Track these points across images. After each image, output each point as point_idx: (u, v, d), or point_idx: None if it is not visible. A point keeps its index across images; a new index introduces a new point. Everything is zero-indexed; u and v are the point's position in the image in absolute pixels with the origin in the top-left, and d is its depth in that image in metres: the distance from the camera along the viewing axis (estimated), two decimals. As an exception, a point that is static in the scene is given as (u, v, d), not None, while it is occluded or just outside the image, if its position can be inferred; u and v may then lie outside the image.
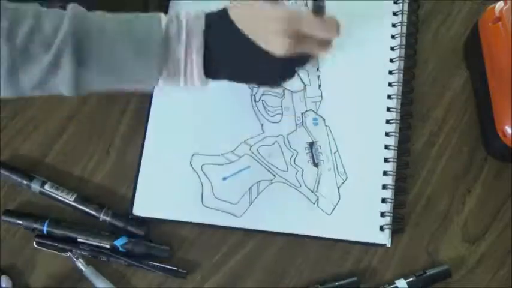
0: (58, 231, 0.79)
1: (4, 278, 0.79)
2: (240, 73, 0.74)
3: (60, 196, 0.80)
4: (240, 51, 0.71)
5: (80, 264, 0.78)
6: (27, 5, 0.68)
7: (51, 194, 0.81)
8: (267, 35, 0.69)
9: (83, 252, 0.79)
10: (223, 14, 0.70)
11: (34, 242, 0.80)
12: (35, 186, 0.81)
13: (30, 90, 0.68)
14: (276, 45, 0.69)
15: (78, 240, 0.79)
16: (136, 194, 0.81)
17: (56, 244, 0.79)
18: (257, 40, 0.70)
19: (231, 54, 0.72)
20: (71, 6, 0.69)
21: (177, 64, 0.70)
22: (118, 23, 0.70)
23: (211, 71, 0.71)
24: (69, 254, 0.79)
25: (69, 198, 0.80)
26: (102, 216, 0.80)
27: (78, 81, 0.68)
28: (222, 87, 0.83)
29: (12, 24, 0.66)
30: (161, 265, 0.79)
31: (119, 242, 0.78)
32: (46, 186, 0.81)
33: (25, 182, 0.81)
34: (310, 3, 0.86)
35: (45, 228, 0.79)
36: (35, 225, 0.80)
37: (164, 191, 0.81)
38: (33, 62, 0.67)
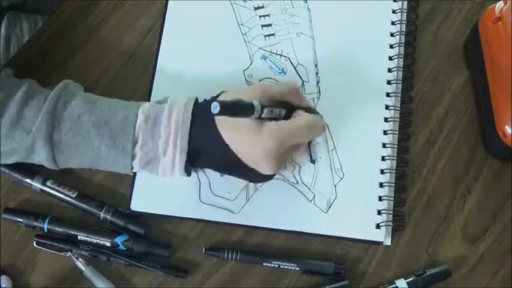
0: (59, 229, 0.79)
1: (4, 278, 0.79)
2: (220, 170, 0.78)
3: (62, 193, 0.80)
4: (221, 156, 0.73)
5: (80, 264, 0.78)
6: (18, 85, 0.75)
7: (53, 191, 0.81)
8: (257, 159, 0.72)
9: (82, 252, 0.79)
10: (209, 120, 0.72)
11: (34, 242, 0.80)
12: (37, 183, 0.81)
13: (14, 162, 0.77)
14: (266, 169, 0.73)
15: (79, 238, 0.79)
16: (134, 190, 0.81)
17: (56, 244, 0.79)
18: (245, 160, 0.73)
19: (211, 157, 0.75)
20: (61, 85, 0.75)
21: (155, 159, 0.74)
22: (96, 114, 0.74)
23: (189, 166, 0.75)
24: (69, 254, 0.79)
25: (70, 195, 0.80)
26: (103, 215, 0.80)
27: (54, 162, 0.75)
28: (220, 83, 0.83)
29: None
30: (161, 265, 0.79)
31: (119, 239, 0.78)
32: (48, 183, 0.81)
33: (26, 180, 0.81)
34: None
35: (45, 226, 0.79)
36: (35, 223, 0.80)
37: (162, 186, 0.81)
38: (14, 146, 0.74)
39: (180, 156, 0.73)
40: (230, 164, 0.73)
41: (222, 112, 0.63)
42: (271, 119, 0.72)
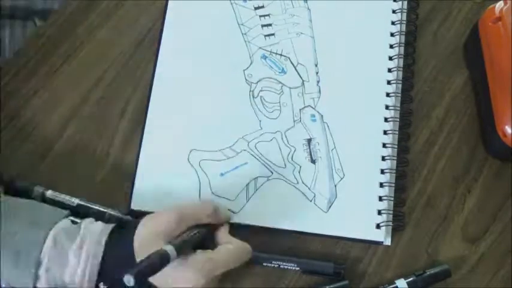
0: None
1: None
2: None
3: (63, 203, 0.79)
4: None
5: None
6: None
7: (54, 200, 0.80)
8: None
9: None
10: (128, 253, 0.69)
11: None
12: (36, 196, 0.80)
13: None
14: None
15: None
16: (134, 189, 0.81)
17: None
18: None
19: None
20: None
21: (62, 284, 0.70)
22: (5, 227, 0.69)
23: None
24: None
25: (71, 204, 0.79)
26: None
27: None
28: (221, 82, 0.83)
29: None
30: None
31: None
32: (48, 194, 0.80)
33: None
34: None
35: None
36: None
37: (162, 186, 0.81)
38: None
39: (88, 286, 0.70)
40: None
41: (137, 280, 0.61)
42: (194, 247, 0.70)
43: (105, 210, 0.79)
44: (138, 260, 0.68)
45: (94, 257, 0.69)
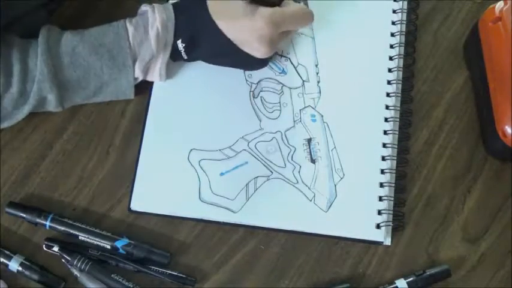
0: (61, 228, 0.79)
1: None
2: (215, 58, 0.82)
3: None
4: (216, 45, 0.78)
5: (75, 270, 0.78)
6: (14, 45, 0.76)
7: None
8: (250, 43, 0.76)
9: (92, 257, 0.78)
10: (202, 11, 0.76)
11: (44, 246, 0.79)
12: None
13: (24, 116, 0.79)
14: (259, 52, 0.77)
15: (80, 238, 0.79)
16: (134, 189, 0.81)
17: (65, 249, 0.79)
18: (238, 44, 0.77)
19: (206, 46, 0.79)
20: (45, 30, 0.77)
21: (151, 61, 0.79)
22: (88, 41, 0.77)
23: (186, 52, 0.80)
24: (63, 260, 0.78)
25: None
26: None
27: (62, 102, 0.78)
28: (221, 82, 0.83)
29: (5, 76, 0.74)
30: (170, 272, 0.78)
31: (119, 243, 0.78)
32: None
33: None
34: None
35: (47, 224, 0.79)
36: (38, 220, 0.79)
37: (162, 186, 0.81)
38: (24, 101, 0.77)
39: (163, 54, 0.78)
40: (224, 51, 0.78)
41: None
42: (264, 4, 0.76)
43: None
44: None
45: (168, 20, 0.77)
